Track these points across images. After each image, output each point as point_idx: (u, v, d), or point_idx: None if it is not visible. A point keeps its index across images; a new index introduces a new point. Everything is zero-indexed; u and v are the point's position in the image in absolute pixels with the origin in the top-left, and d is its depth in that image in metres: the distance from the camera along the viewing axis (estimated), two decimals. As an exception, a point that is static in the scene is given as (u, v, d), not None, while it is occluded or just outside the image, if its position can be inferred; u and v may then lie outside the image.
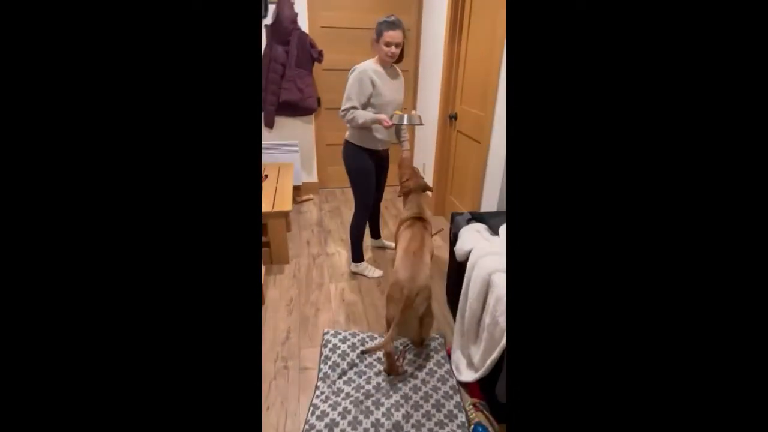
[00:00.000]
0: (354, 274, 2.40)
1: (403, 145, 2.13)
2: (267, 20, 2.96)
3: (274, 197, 2.49)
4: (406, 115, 1.99)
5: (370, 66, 1.99)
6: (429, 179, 3.29)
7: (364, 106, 2.00)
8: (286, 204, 2.40)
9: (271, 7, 2.93)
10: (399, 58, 2.03)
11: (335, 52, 3.22)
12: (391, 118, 1.97)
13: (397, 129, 2.08)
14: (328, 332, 1.88)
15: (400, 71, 2.15)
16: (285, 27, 2.94)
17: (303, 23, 3.03)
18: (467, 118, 2.66)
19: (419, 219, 2.01)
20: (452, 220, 2.02)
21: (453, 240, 2.01)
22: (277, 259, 2.46)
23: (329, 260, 2.55)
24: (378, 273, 2.42)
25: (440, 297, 2.21)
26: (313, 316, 2.03)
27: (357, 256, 2.38)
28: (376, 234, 2.68)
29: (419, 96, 3.46)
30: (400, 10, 3.20)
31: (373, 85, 1.97)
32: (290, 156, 3.32)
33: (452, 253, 1.99)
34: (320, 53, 3.06)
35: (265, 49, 3.01)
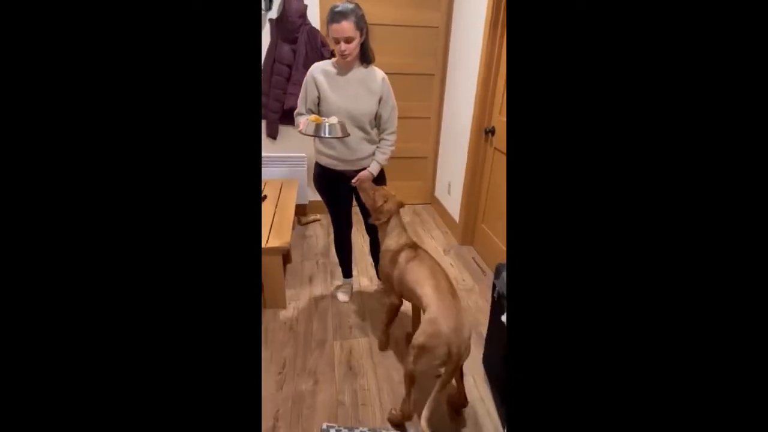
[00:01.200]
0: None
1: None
2: (272, 14, 2.53)
3: (270, 227, 2.05)
4: (325, 123, 1.55)
5: (321, 65, 1.68)
6: (454, 201, 2.80)
7: (320, 114, 1.69)
8: (284, 235, 1.96)
9: (276, 0, 2.51)
10: (365, 58, 1.63)
11: (350, 52, 2.78)
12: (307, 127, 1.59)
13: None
14: (328, 430, 1.41)
15: (378, 75, 1.68)
16: (292, 22, 2.50)
17: (313, 18, 2.59)
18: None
19: (415, 246, 1.62)
20: (496, 274, 1.54)
21: (497, 301, 1.52)
22: (271, 303, 2.02)
23: (335, 306, 2.09)
24: (344, 298, 2.15)
25: (474, 366, 1.71)
26: (310, 392, 1.56)
27: (343, 271, 2.16)
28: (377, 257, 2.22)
29: (446, 105, 2.98)
30: (428, 4, 2.74)
31: (318, 87, 1.65)
32: (296, 171, 2.88)
33: (495, 321, 1.51)
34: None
35: (269, 47, 2.58)
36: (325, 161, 1.76)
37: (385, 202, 1.61)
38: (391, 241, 1.62)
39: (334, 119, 1.56)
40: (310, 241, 2.74)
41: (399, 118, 1.80)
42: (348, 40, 1.52)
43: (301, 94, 1.71)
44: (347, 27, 1.49)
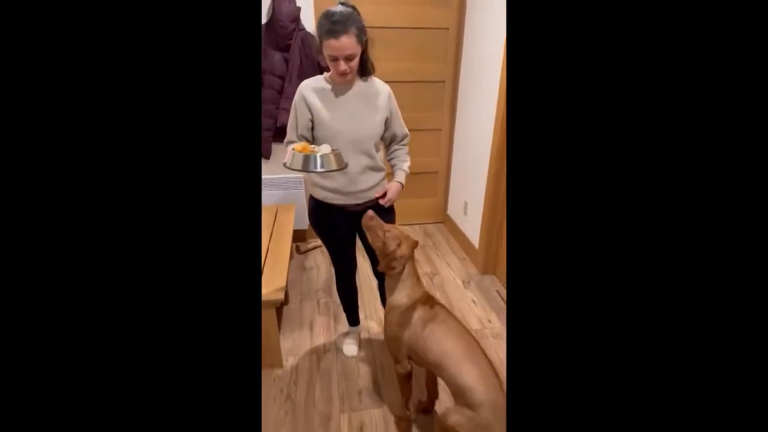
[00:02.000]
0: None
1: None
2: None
3: (262, 267, 1.73)
4: (315, 155, 1.20)
5: (311, 83, 1.37)
6: (472, 223, 2.47)
7: (313, 140, 1.40)
8: (279, 278, 1.64)
9: (265, 2, 2.19)
10: (365, 70, 1.35)
11: (351, 58, 2.46)
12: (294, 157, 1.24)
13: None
14: None
15: (383, 89, 1.41)
16: (284, 27, 2.19)
17: (308, 21, 2.28)
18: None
19: (431, 301, 1.30)
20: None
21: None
22: (265, 363, 1.69)
23: (340, 362, 1.77)
24: (351, 352, 1.81)
25: None
26: (313, 493, 1.24)
27: (348, 318, 1.85)
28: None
29: (459, 115, 2.66)
30: (436, 2, 2.41)
31: (310, 109, 1.35)
32: (293, 194, 2.57)
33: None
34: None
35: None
36: (322, 195, 1.45)
37: (399, 245, 1.27)
38: (401, 295, 1.29)
39: (326, 148, 1.24)
40: (311, 274, 2.42)
41: (410, 82, 1.51)
42: (349, 58, 1.23)
43: (290, 119, 1.40)
44: (348, 43, 1.19)
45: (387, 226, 1.31)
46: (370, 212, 1.32)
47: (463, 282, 2.33)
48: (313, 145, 1.27)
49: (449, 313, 1.28)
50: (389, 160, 1.53)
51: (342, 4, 1.22)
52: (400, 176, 1.49)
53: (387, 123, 1.42)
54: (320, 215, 1.50)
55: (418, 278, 1.32)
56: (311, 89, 1.34)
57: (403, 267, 1.28)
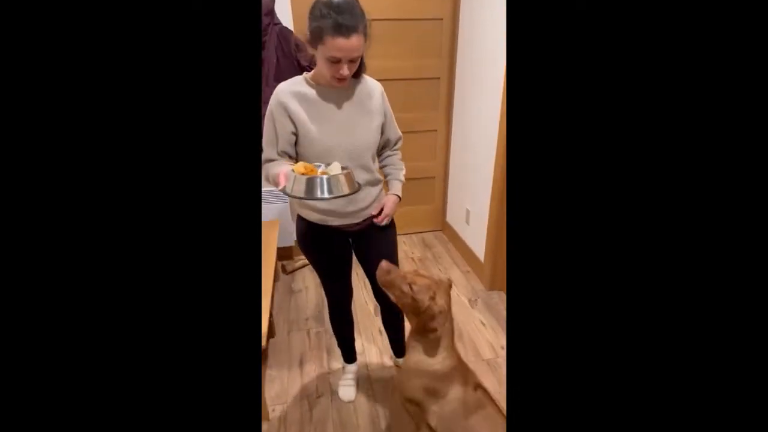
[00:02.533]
0: None
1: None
2: (230, 13, 1.96)
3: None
4: (322, 178, 0.94)
5: (288, 87, 1.11)
6: (476, 233, 2.24)
7: (297, 156, 1.16)
8: (263, 310, 1.38)
9: (235, -7, 1.93)
10: (357, 70, 1.11)
11: (334, 55, 2.21)
12: (287, 179, 0.99)
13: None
14: None
15: (375, 88, 1.19)
16: (257, 21, 1.93)
17: (284, 15, 2.02)
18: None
19: (471, 374, 1.09)
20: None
21: None
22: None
23: (335, 408, 1.52)
24: (349, 396, 1.55)
25: None
26: None
27: (343, 355, 1.60)
28: (395, 349, 1.63)
29: (456, 115, 2.43)
30: (429, -10, 2.18)
31: (294, 122, 1.09)
32: (274, 208, 2.31)
33: None
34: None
35: (230, 56, 2.01)
36: (314, 217, 1.21)
37: (433, 298, 1.00)
38: (436, 360, 1.03)
39: (335, 167, 1.00)
40: (299, 298, 2.16)
41: (402, 79, 1.33)
42: (354, 60, 1.02)
43: (265, 131, 1.13)
44: (358, 44, 0.98)
45: (410, 275, 1.05)
46: (384, 264, 1.06)
47: (470, 300, 2.11)
48: (316, 163, 1.03)
49: (492, 401, 1.05)
50: (382, 168, 1.32)
51: None
52: (396, 188, 1.29)
53: (382, 128, 1.21)
54: (311, 238, 1.27)
55: (452, 336, 1.07)
56: (291, 95, 1.09)
57: (436, 326, 1.02)
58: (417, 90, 2.40)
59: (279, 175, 1.00)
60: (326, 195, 0.95)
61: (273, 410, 1.50)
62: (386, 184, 1.31)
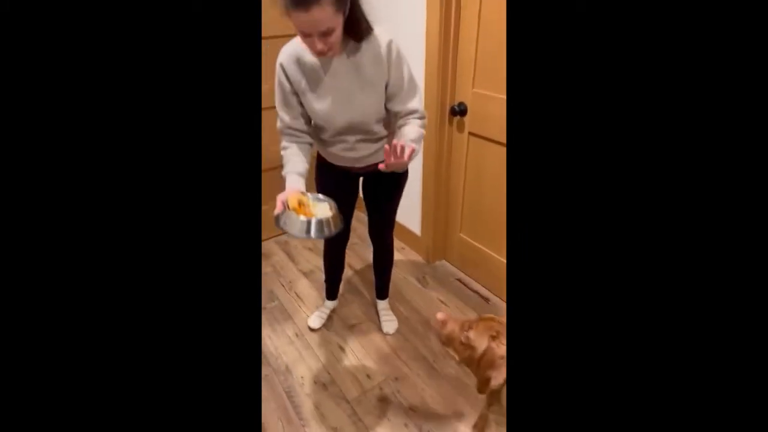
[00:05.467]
0: None
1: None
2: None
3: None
4: (310, 221, 1.00)
5: (291, 49, 1.08)
6: (409, 211, 2.06)
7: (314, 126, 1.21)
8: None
9: None
10: (358, 33, 1.01)
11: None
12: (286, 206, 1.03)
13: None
14: None
15: (378, 47, 1.04)
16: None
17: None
18: (487, 108, 1.54)
19: None
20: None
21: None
22: None
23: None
24: (315, 323, 1.70)
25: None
26: None
27: (327, 290, 1.73)
28: (379, 292, 1.74)
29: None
30: None
31: (292, 86, 1.10)
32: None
33: None
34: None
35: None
36: (325, 154, 1.30)
37: (495, 337, 0.82)
38: None
39: (323, 209, 1.06)
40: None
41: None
42: (326, 33, 0.91)
43: (276, 97, 1.13)
44: (321, 16, 0.87)
45: (464, 322, 0.87)
46: (441, 315, 0.89)
47: (418, 280, 1.96)
48: (308, 195, 1.08)
49: None
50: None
51: None
52: (411, 132, 1.09)
53: (389, 84, 1.09)
54: (322, 172, 1.35)
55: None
56: (292, 59, 1.07)
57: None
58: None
59: (278, 199, 1.04)
60: (313, 236, 1.02)
61: None
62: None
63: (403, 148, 0.95)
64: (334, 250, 1.58)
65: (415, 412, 1.37)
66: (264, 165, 1.72)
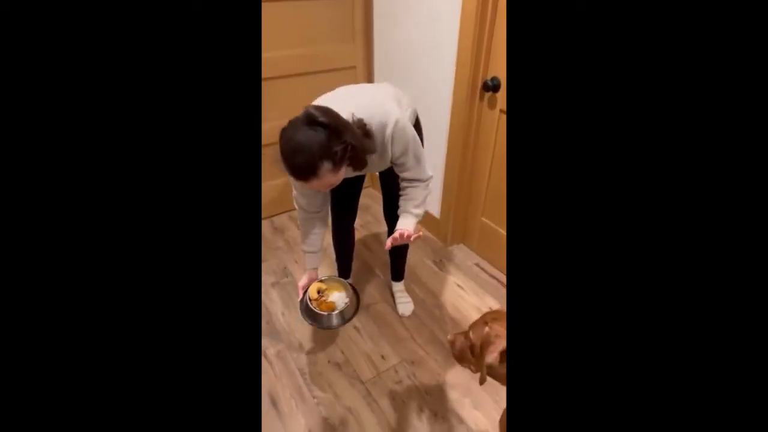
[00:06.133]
0: None
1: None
2: None
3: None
4: (330, 315, 1.23)
5: None
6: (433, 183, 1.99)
7: None
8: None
9: None
10: (359, 163, 1.02)
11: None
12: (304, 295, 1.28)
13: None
14: None
15: (383, 134, 1.05)
16: None
17: None
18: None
19: None
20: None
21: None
22: None
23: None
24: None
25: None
26: None
27: (338, 269, 1.66)
28: (394, 273, 1.70)
29: (378, 45, 1.98)
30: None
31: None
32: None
33: None
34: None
35: None
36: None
37: (486, 322, 0.83)
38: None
39: (342, 297, 1.26)
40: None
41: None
42: (330, 186, 1.00)
43: (292, 184, 1.17)
44: (320, 183, 0.94)
45: (468, 328, 0.86)
46: (450, 336, 0.91)
47: (435, 263, 1.91)
48: (324, 280, 1.31)
49: None
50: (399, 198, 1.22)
51: (307, 118, 0.89)
52: (406, 222, 1.15)
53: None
54: None
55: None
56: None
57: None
58: (324, 12, 1.88)
59: (299, 286, 1.28)
60: (335, 327, 1.25)
61: None
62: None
63: (404, 236, 1.09)
64: (342, 231, 1.53)
65: (430, 396, 1.34)
66: (264, 140, 1.66)
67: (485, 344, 0.78)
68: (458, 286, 1.78)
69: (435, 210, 2.00)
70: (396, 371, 1.42)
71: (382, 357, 1.47)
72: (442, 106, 1.72)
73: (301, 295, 1.25)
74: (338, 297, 1.25)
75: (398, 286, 1.69)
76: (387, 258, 1.69)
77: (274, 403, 1.32)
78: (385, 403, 1.31)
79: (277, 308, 1.67)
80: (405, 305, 1.64)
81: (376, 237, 2.07)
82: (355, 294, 1.29)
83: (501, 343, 0.75)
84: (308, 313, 1.22)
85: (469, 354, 0.83)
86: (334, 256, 1.62)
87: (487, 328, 0.79)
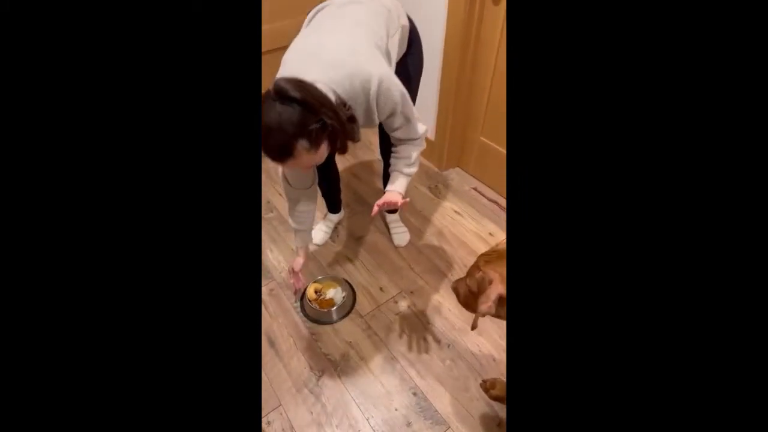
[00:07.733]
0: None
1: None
2: None
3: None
4: (330, 310, 1.31)
5: None
6: (426, 109, 1.80)
7: None
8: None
9: None
10: (344, 147, 0.93)
11: None
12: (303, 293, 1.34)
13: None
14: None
15: (367, 98, 0.92)
16: None
17: None
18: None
19: None
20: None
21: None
22: None
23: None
24: (319, 238, 1.55)
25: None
26: None
27: (328, 205, 1.59)
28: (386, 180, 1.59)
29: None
30: None
31: (291, 184, 1.18)
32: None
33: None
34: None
35: None
36: None
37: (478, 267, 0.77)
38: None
39: (338, 293, 1.36)
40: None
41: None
42: (311, 166, 0.92)
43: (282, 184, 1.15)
44: (298, 162, 0.84)
45: (468, 272, 0.79)
46: (454, 285, 0.84)
47: (430, 189, 1.79)
48: (320, 279, 1.39)
49: None
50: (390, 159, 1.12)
51: (278, 94, 0.78)
52: (397, 185, 1.07)
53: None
54: None
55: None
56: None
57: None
58: None
59: (294, 268, 1.23)
60: (335, 320, 1.31)
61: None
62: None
63: (391, 203, 1.03)
64: (323, 164, 1.40)
65: (432, 325, 1.30)
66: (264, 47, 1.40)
67: (479, 291, 0.71)
68: (455, 212, 1.68)
69: (430, 131, 1.83)
70: (395, 302, 1.37)
71: (381, 289, 1.41)
72: (437, 1, 1.47)
73: (297, 296, 1.36)
74: (335, 293, 1.35)
75: (392, 217, 1.58)
76: (380, 185, 1.55)
77: (272, 343, 1.26)
78: (386, 335, 1.28)
79: (264, 245, 1.56)
80: (400, 235, 1.55)
81: (366, 165, 1.92)
82: (351, 287, 1.38)
83: (494, 290, 0.68)
84: (310, 313, 1.31)
85: (473, 301, 0.75)
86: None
87: (480, 273, 0.72)
